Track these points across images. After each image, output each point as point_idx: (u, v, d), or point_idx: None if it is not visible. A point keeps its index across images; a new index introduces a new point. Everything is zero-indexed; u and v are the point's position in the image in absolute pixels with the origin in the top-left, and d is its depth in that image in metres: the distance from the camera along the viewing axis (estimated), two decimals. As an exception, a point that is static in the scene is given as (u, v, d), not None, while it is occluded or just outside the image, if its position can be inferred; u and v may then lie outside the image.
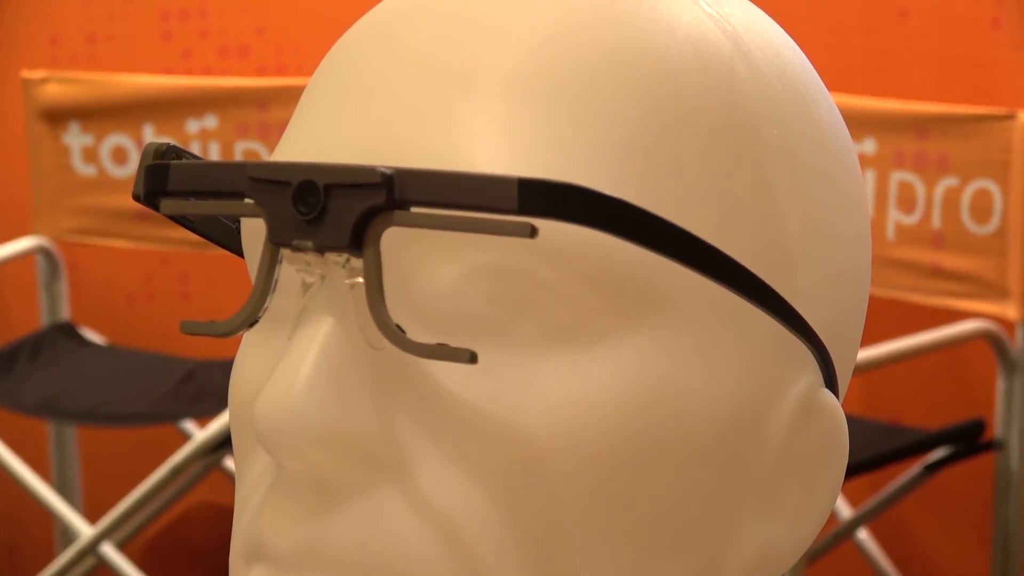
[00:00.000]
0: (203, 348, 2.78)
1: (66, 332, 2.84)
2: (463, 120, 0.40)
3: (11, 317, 2.96)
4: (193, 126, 2.80)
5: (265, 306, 0.38)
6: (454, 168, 0.38)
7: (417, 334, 0.38)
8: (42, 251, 2.82)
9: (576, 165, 0.39)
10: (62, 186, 2.84)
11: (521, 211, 0.34)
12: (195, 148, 2.80)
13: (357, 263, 0.37)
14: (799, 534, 0.45)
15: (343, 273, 0.38)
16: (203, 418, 2.60)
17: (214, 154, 2.84)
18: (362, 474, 0.39)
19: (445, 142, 0.39)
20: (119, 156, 2.81)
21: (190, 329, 0.39)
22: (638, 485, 0.40)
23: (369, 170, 0.36)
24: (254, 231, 0.42)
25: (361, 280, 0.37)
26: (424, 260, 0.39)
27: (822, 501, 0.45)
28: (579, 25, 0.42)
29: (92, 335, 2.87)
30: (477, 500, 0.39)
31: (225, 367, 2.74)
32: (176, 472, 2.49)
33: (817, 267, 0.44)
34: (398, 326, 0.36)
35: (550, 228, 0.36)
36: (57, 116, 2.79)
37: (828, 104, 0.48)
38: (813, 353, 0.44)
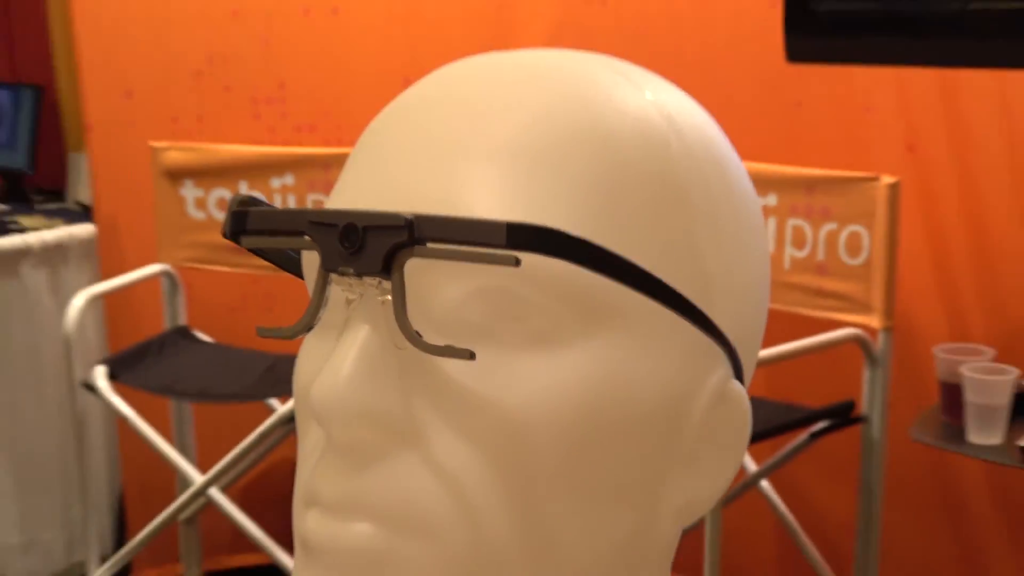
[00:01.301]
0: (282, 347, 2.65)
1: (183, 334, 2.88)
2: (465, 179, 0.40)
3: (142, 323, 2.94)
4: (276, 183, 2.82)
5: (318, 317, 0.40)
6: (459, 214, 0.39)
7: (431, 337, 0.39)
8: (165, 274, 2.84)
9: (549, 213, 0.40)
10: (180, 227, 2.85)
11: (508, 247, 0.35)
12: (277, 200, 2.85)
13: (387, 284, 0.38)
14: (714, 487, 0.46)
15: (376, 292, 0.39)
16: (283, 397, 2.62)
17: (291, 204, 2.89)
18: (389, 442, 0.40)
19: (453, 195, 0.40)
20: (222, 204, 2.83)
21: (265, 333, 0.41)
22: (595, 451, 0.41)
23: (396, 215, 0.37)
24: (311, 260, 0.43)
25: (390, 297, 0.38)
26: (437, 282, 0.40)
27: (731, 463, 0.46)
28: (551, 110, 0.42)
29: (202, 335, 2.90)
30: (475, 461, 0.40)
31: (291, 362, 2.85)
32: (263, 436, 2.50)
33: (729, 291, 0.45)
34: (417, 332, 0.37)
35: (530, 259, 0.37)
36: (176, 175, 2.82)
37: (740, 169, 0.48)
38: (726, 353, 0.45)
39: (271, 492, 2.89)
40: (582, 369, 0.41)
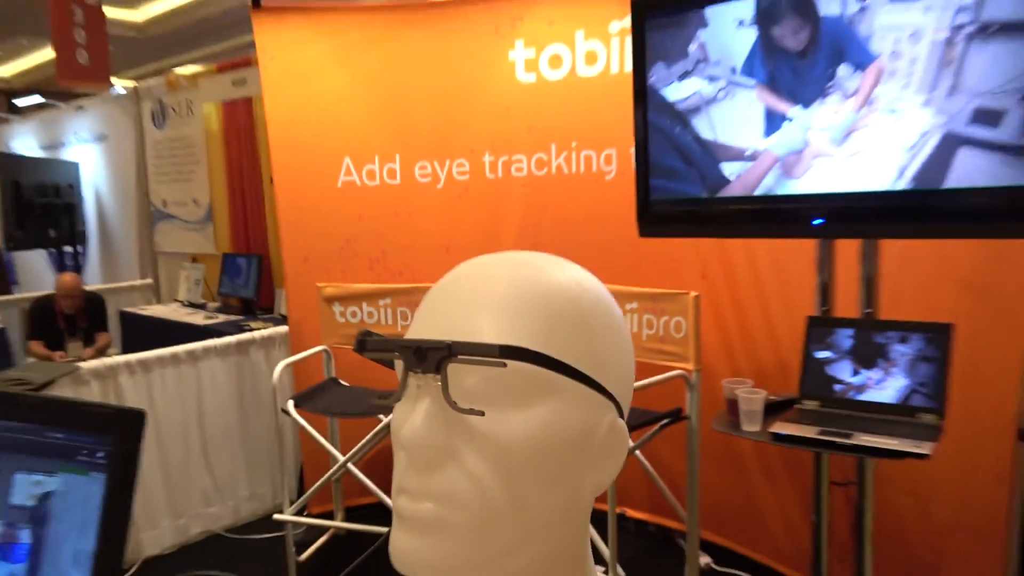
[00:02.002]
0: (385, 386, 3.00)
1: (334, 382, 3.19)
2: (475, 321, 0.50)
3: (313, 375, 3.24)
4: (381, 303, 3.17)
5: (404, 394, 0.50)
6: (474, 340, 0.48)
7: (461, 403, 0.47)
8: (325, 351, 3.19)
9: (520, 339, 0.48)
10: (331, 326, 3.23)
11: (501, 356, 0.45)
12: (382, 313, 3.16)
13: (438, 377, 0.47)
14: (610, 475, 0.53)
15: (433, 380, 0.47)
16: (385, 413, 2.81)
17: (388, 316, 3.17)
18: (440, 459, 0.48)
19: (469, 329, 0.49)
20: (353, 315, 3.23)
21: (379, 402, 0.51)
22: (547, 460, 0.50)
23: (441, 343, 0.46)
24: (400, 363, 0.51)
25: (439, 384, 0.47)
26: (464, 374, 0.48)
27: (618, 464, 0.54)
28: (517, 284, 0.51)
29: (343, 382, 3.20)
30: (486, 468, 0.48)
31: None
32: (375, 436, 2.74)
33: (614, 369, 0.53)
34: (454, 401, 0.46)
35: (512, 364, 0.46)
36: (330, 300, 3.21)
37: (613, 305, 0.54)
38: (614, 404, 0.52)
39: (380, 464, 3.07)
40: (540, 418, 0.49)
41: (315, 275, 3.33)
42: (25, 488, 0.76)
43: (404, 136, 3.28)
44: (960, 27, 1.75)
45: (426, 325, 0.51)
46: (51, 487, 0.75)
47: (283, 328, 3.70)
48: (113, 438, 0.74)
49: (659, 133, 2.26)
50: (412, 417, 0.48)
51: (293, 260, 3.41)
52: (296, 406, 2.84)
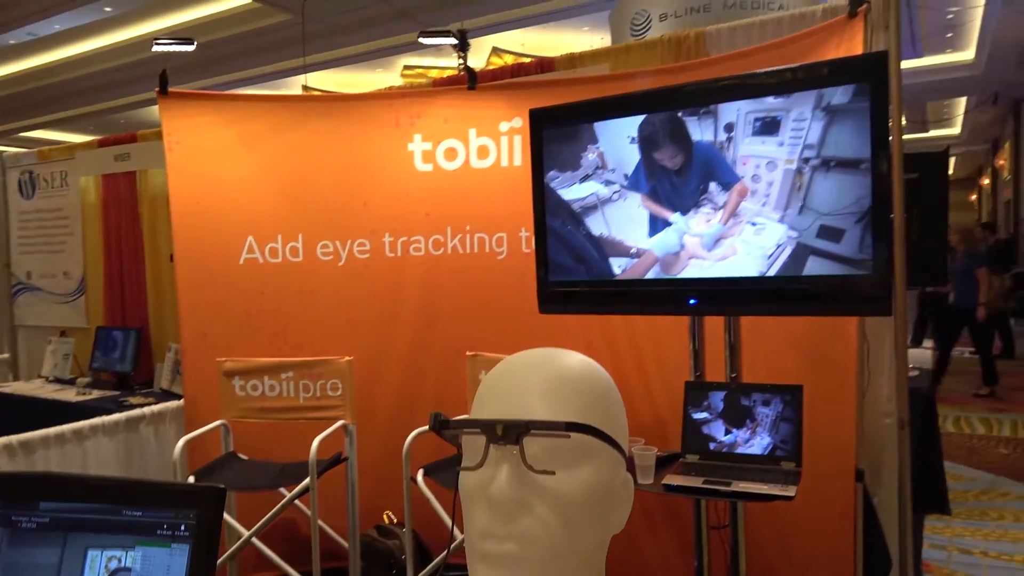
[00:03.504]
0: (286, 459, 3.07)
1: (233, 455, 3.22)
2: (528, 403, 0.62)
3: (207, 449, 3.23)
4: (283, 376, 3.14)
5: (486, 461, 0.61)
6: (532, 418, 0.59)
7: (536, 465, 0.59)
8: (224, 425, 3.24)
9: (568, 415, 0.60)
10: (232, 401, 3.25)
11: (567, 430, 0.57)
12: (283, 385, 3.12)
13: (516, 447, 0.57)
14: (627, 515, 0.66)
15: (513, 449, 0.58)
16: (288, 487, 2.88)
17: (290, 389, 3.16)
18: (518, 510, 0.58)
19: (531, 409, 0.61)
20: (255, 388, 3.21)
21: (461, 469, 0.58)
22: (591, 508, 0.62)
23: (519, 420, 0.56)
24: (474, 438, 0.62)
25: (517, 452, 0.57)
26: (535, 444, 0.59)
27: (631, 503, 0.66)
28: (557, 372, 0.63)
29: (242, 456, 3.23)
30: (552, 514, 0.59)
31: (294, 466, 2.97)
32: (279, 510, 2.78)
33: (621, 432, 0.66)
34: (529, 465, 0.56)
35: (574, 436, 0.60)
36: (230, 374, 3.25)
37: (613, 385, 0.67)
38: (624, 460, 0.63)
39: (279, 536, 3.13)
40: (586, 475, 0.62)
41: (214, 350, 3.34)
42: (99, 564, 0.81)
43: (307, 217, 3.39)
44: (806, 160, 2.09)
45: (490, 408, 0.64)
46: (127, 562, 0.81)
47: (173, 403, 3.67)
48: (195, 512, 0.83)
49: (555, 236, 2.53)
50: (497, 479, 0.60)
51: (192, 335, 3.42)
52: (196, 480, 2.86)
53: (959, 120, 15.74)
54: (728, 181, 2.21)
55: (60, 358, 4.87)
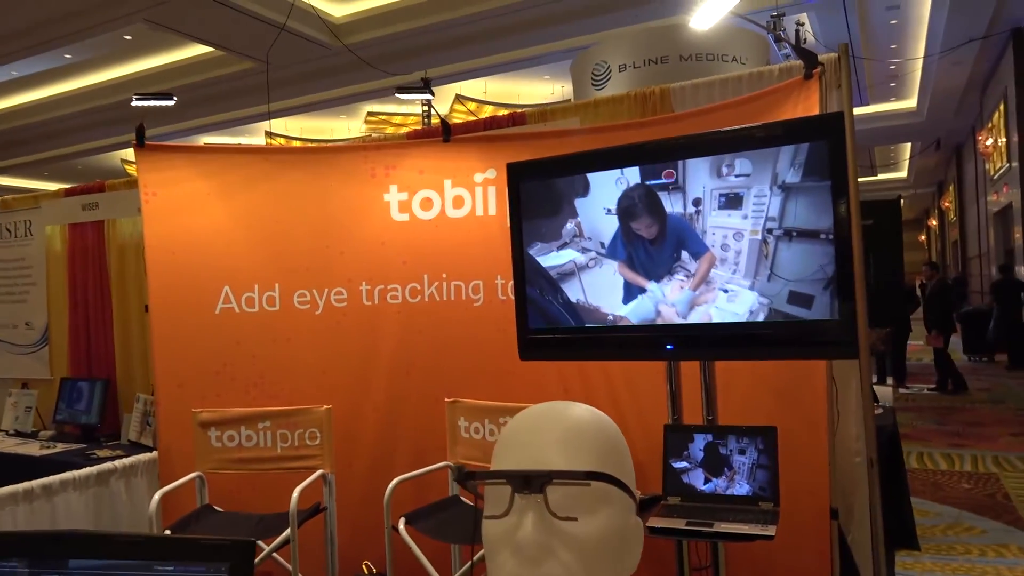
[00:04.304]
0: (264, 510, 3.06)
1: (209, 508, 3.19)
2: (547, 455, 0.68)
3: (182, 501, 3.18)
4: (260, 425, 3.11)
5: (511, 509, 0.68)
6: (550, 468, 0.66)
7: (559, 512, 0.66)
8: (199, 477, 3.21)
9: (584, 464, 0.65)
10: (207, 453, 3.24)
11: (587, 479, 0.66)
12: (261, 434, 3.09)
13: (540, 495, 0.64)
14: (639, 557, 0.70)
15: (537, 498, 0.64)
16: (267, 540, 2.82)
17: (267, 437, 3.13)
18: (543, 555, 0.64)
19: (549, 460, 0.67)
20: (231, 439, 3.21)
21: (486, 517, 0.62)
22: (608, 550, 0.67)
23: (543, 471, 0.63)
24: (497, 489, 0.65)
25: (542, 500, 0.64)
26: (556, 492, 0.65)
27: (641, 545, 0.71)
28: (581, 422, 0.70)
29: (218, 508, 3.20)
30: (573, 559, 0.65)
31: (271, 517, 2.95)
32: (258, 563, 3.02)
33: (629, 477, 0.71)
34: (553, 512, 0.63)
35: (593, 483, 0.68)
36: (206, 425, 3.23)
37: (621, 434, 0.71)
38: (636, 504, 0.68)
39: None
40: (603, 521, 0.68)
41: (189, 400, 3.34)
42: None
43: (284, 266, 3.42)
44: (770, 230, 2.22)
45: (511, 460, 0.71)
46: (159, 615, 0.79)
47: (144, 455, 3.64)
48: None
49: (532, 304, 2.63)
50: (523, 526, 0.66)
51: (167, 385, 3.41)
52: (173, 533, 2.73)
53: (905, 164, 16.38)
54: (698, 251, 2.34)
55: (22, 411, 4.76)
